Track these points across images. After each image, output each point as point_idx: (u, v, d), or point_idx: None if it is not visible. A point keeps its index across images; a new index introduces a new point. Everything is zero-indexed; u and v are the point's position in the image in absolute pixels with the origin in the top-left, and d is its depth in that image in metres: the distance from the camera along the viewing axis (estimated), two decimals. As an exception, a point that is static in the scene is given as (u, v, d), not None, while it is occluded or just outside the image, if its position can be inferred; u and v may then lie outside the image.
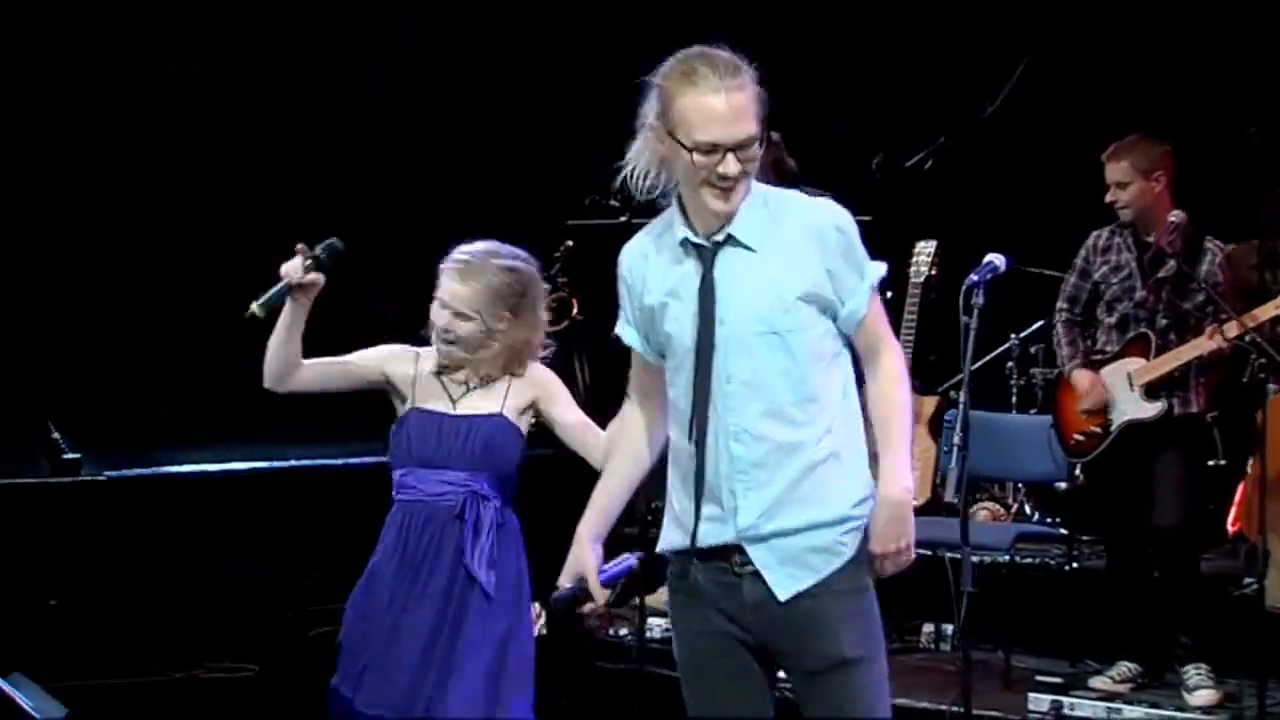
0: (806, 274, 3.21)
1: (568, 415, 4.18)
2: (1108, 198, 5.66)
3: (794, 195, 3.36)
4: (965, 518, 4.34)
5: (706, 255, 3.24)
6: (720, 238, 3.24)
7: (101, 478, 5.47)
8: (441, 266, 4.11)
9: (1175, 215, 5.54)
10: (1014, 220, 7.26)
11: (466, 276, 4.07)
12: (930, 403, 6.93)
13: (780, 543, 3.21)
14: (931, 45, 7.91)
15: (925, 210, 7.26)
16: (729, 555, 3.23)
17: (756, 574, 3.22)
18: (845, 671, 3.23)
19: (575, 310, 7.33)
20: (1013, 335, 7.14)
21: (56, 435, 5.48)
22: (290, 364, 4.03)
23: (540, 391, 4.17)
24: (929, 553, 6.11)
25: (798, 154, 7.14)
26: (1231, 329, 5.39)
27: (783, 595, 3.20)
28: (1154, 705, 5.34)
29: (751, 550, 3.22)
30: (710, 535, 3.24)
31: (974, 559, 6.00)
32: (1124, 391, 5.62)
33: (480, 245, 4.15)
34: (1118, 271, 5.70)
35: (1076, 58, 7.42)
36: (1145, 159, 5.60)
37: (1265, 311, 5.40)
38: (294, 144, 7.71)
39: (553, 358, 5.78)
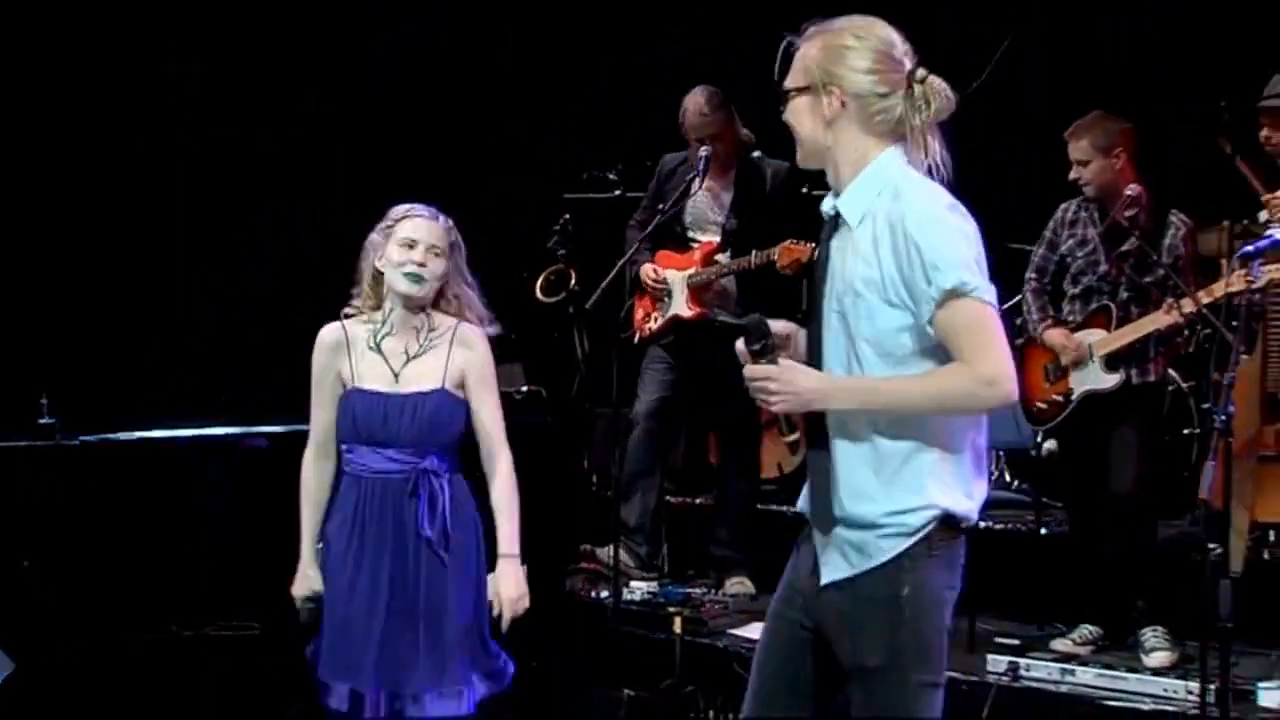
0: (878, 265, 3.16)
1: (487, 416, 4.32)
2: (1070, 175, 5.79)
3: (913, 186, 3.21)
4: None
5: (828, 226, 3.31)
6: (835, 211, 3.28)
7: (75, 442, 5.59)
8: (400, 217, 4.31)
9: (1131, 189, 5.65)
10: (997, 195, 7.36)
11: (434, 220, 4.31)
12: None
13: (827, 529, 3.23)
14: (931, 44, 8.00)
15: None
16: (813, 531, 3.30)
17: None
18: (864, 678, 3.20)
19: (574, 282, 7.53)
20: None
21: (44, 402, 5.60)
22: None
23: (472, 372, 4.31)
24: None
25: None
26: (1188, 304, 5.48)
27: (822, 579, 3.24)
28: (1108, 667, 5.41)
29: (814, 527, 3.28)
30: (800, 503, 3.35)
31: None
32: (1085, 362, 5.75)
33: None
34: (1083, 245, 5.83)
35: (1068, 45, 7.54)
36: (1104, 137, 5.72)
37: (1219, 288, 5.46)
38: (294, 144, 7.81)
39: (553, 329, 5.88)
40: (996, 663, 5.52)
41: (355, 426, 4.25)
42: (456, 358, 4.28)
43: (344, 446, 4.31)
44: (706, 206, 6.68)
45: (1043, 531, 6.43)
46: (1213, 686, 5.03)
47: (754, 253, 6.43)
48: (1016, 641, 5.72)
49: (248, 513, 6.10)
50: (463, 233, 4.42)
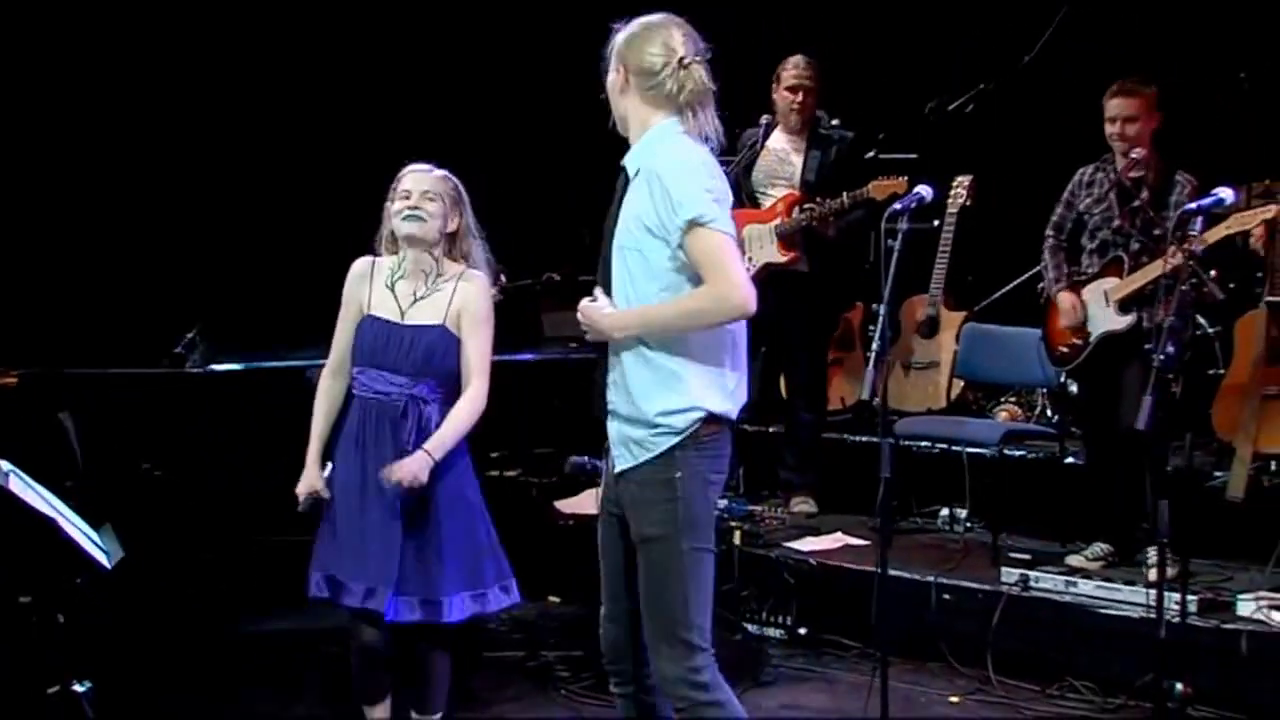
0: (646, 206, 3.91)
1: (472, 349, 4.73)
2: (1116, 129, 6.27)
3: (674, 143, 3.96)
4: (885, 415, 5.14)
5: (622, 178, 4.05)
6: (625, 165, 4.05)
7: (200, 370, 6.18)
8: (403, 174, 4.79)
9: (1137, 152, 6.27)
10: (1045, 155, 7.90)
11: (428, 172, 4.82)
12: (958, 317, 7.78)
13: (618, 424, 4.02)
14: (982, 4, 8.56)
15: (965, 148, 8.05)
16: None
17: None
18: (646, 547, 3.98)
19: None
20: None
21: (188, 336, 6.23)
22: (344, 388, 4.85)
23: (466, 311, 4.74)
24: (945, 446, 7.03)
25: (866, 103, 7.95)
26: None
27: (616, 469, 4.03)
28: (1107, 580, 6.04)
29: (608, 423, 4.06)
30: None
31: (983, 453, 6.94)
32: (1101, 307, 6.36)
33: None
34: (1100, 203, 6.43)
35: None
36: (1152, 99, 6.28)
37: (1215, 233, 5.95)
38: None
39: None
40: (1010, 574, 6.19)
41: (363, 349, 4.74)
42: (457, 300, 4.73)
43: (355, 369, 4.77)
44: (776, 164, 7.40)
45: (1067, 461, 7.01)
46: (1194, 597, 5.67)
47: (844, 194, 7.13)
48: (1029, 556, 6.35)
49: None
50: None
